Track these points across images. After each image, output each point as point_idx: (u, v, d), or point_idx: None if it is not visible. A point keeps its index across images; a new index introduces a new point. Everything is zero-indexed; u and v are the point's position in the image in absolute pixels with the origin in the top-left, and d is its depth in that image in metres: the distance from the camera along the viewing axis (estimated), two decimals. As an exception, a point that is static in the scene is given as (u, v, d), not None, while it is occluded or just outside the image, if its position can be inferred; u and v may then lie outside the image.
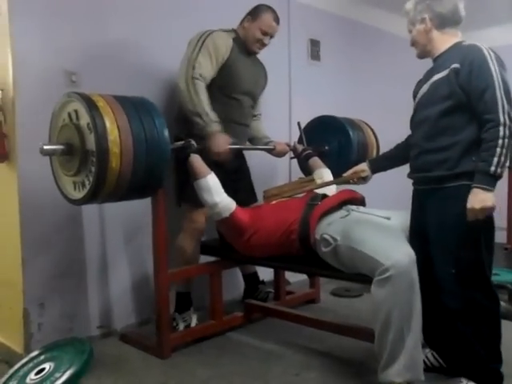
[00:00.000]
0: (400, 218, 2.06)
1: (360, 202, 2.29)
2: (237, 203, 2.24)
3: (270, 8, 2.54)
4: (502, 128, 1.66)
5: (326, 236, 1.99)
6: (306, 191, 2.29)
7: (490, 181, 1.67)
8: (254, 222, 2.20)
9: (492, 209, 1.69)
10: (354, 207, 2.17)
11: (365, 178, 2.22)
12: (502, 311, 1.83)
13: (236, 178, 2.62)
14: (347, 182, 2.28)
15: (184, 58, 2.40)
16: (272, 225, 2.17)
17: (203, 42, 2.38)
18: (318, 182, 2.34)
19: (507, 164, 1.73)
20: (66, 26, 2.34)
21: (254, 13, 2.52)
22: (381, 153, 3.05)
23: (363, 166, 2.23)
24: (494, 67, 1.70)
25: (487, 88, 1.69)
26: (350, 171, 2.26)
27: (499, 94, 1.67)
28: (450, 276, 1.78)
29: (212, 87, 2.43)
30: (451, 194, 1.77)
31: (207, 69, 2.37)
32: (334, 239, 1.96)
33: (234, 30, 2.57)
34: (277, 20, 2.55)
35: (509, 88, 1.71)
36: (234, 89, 2.50)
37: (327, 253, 2.00)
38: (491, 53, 1.74)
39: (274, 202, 2.31)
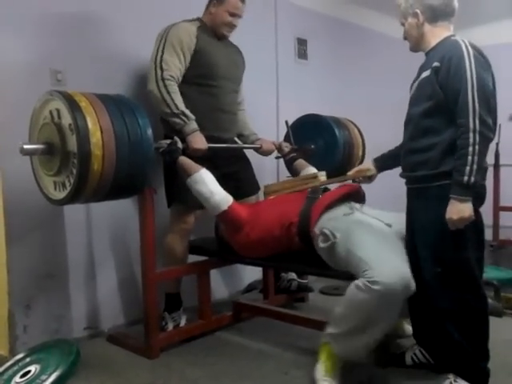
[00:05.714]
0: (401, 223, 2.00)
1: (361, 197, 2.26)
2: (240, 194, 2.25)
3: None
4: (471, 134, 1.62)
5: (326, 231, 1.96)
6: (308, 188, 2.27)
7: (465, 191, 1.65)
8: (253, 216, 2.18)
9: (469, 220, 1.67)
10: (357, 206, 2.13)
11: (370, 177, 2.19)
12: (488, 308, 1.83)
13: (235, 170, 2.61)
14: (351, 181, 2.25)
15: (151, 57, 2.34)
16: (272, 218, 2.14)
17: (166, 37, 2.32)
18: (322, 179, 2.30)
19: (486, 165, 1.72)
20: (53, 25, 2.31)
21: None
22: (367, 152, 3.07)
23: (368, 165, 2.20)
24: (470, 66, 1.66)
25: (460, 89, 1.66)
26: (355, 169, 2.24)
27: (471, 96, 1.63)
28: (437, 275, 1.79)
29: (190, 79, 2.39)
30: (435, 194, 1.77)
31: (176, 67, 2.32)
32: (334, 236, 1.93)
33: (198, 19, 2.51)
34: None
35: (485, 88, 1.66)
36: (211, 75, 2.44)
37: (324, 248, 1.97)
38: (470, 50, 1.70)
39: (272, 197, 2.30)
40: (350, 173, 2.25)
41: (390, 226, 2.00)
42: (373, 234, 1.92)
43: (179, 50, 2.33)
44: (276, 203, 2.25)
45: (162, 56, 2.30)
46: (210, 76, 2.44)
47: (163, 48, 2.31)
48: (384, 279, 1.69)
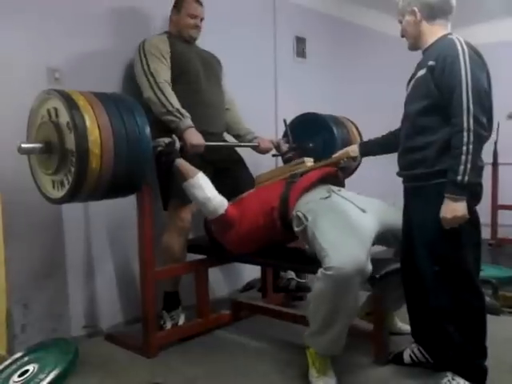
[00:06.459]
0: (377, 210, 2.06)
1: (340, 180, 2.31)
2: (237, 192, 2.29)
3: None
4: (465, 134, 1.62)
5: (299, 214, 2.01)
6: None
7: (459, 190, 1.65)
8: (242, 210, 2.20)
9: (463, 219, 1.67)
10: (335, 188, 2.16)
11: (354, 159, 2.22)
12: (486, 306, 1.84)
13: (231, 168, 2.64)
14: (338, 163, 2.28)
15: (138, 75, 2.43)
16: (255, 208, 2.18)
17: (143, 51, 2.43)
18: (309, 164, 2.34)
19: (482, 164, 1.72)
20: (50, 23, 2.31)
21: (176, 4, 2.60)
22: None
23: (353, 147, 2.25)
24: (464, 65, 1.65)
25: (455, 89, 1.65)
26: (340, 152, 2.27)
27: (465, 95, 1.63)
28: (435, 274, 1.79)
29: (173, 80, 2.45)
30: (433, 192, 1.76)
31: (163, 70, 2.42)
32: (306, 219, 1.98)
33: (165, 32, 2.62)
34: (197, 1, 2.61)
35: (479, 87, 1.66)
36: (190, 73, 2.53)
37: (298, 232, 2.03)
38: (465, 49, 1.69)
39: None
40: (335, 155, 2.30)
41: (364, 211, 2.04)
42: (339, 221, 1.95)
43: (160, 55, 2.44)
44: (258, 193, 2.30)
45: (148, 65, 2.40)
46: (188, 74, 2.52)
47: (146, 59, 2.41)
48: (336, 264, 1.75)
